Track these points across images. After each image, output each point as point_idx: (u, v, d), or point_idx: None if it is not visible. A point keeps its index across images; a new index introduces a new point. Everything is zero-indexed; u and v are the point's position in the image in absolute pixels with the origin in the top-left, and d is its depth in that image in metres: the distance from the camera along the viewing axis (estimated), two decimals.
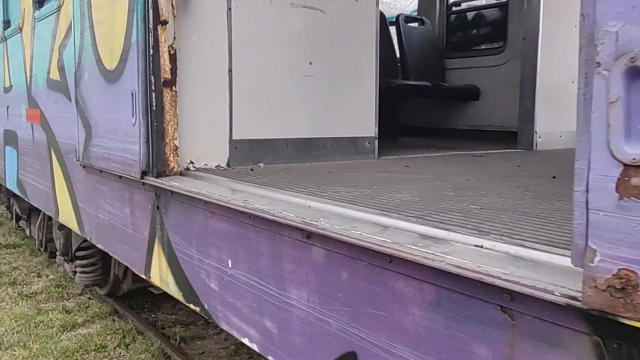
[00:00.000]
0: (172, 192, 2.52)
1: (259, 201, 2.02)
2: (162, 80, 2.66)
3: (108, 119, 2.99)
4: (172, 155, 2.73)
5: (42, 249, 6.16)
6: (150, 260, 2.81)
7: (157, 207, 2.67)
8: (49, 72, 4.18)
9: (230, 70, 3.02)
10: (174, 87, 2.71)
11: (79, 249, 4.75)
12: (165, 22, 2.61)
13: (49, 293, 5.44)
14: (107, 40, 2.95)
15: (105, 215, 3.28)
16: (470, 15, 6.93)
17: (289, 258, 1.81)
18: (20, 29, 4.90)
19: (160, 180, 2.58)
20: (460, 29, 7.05)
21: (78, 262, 4.81)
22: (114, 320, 4.78)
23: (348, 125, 3.58)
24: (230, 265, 2.14)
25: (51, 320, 4.73)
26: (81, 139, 3.39)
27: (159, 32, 2.61)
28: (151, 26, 2.61)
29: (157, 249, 2.72)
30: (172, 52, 2.69)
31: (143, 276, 2.91)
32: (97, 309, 5.00)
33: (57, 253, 5.29)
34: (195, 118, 2.89)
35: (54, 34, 4.03)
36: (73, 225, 3.90)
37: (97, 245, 3.49)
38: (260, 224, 1.94)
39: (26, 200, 5.31)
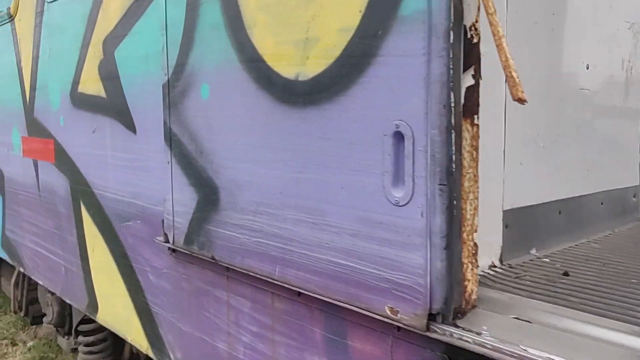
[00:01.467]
0: None
1: None
2: (464, 104, 1.17)
3: (285, 179, 1.44)
4: (469, 266, 1.24)
5: (20, 312, 4.73)
6: None
7: None
8: (76, 82, 2.59)
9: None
10: (476, 117, 1.22)
11: (82, 321, 3.55)
12: None
13: None
14: (288, 18, 1.42)
15: (246, 355, 1.73)
16: None
17: None
18: (11, 16, 3.24)
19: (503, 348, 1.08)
20: None
21: (82, 339, 3.65)
22: None
23: (613, 171, 2.17)
24: None
25: None
26: (182, 206, 1.82)
27: None
28: None
29: None
30: (475, 41, 1.21)
31: None
32: None
33: (47, 320, 4.06)
34: None
35: (88, 20, 2.45)
36: (135, 339, 2.31)
37: None
38: None
39: (20, 269, 3.67)
